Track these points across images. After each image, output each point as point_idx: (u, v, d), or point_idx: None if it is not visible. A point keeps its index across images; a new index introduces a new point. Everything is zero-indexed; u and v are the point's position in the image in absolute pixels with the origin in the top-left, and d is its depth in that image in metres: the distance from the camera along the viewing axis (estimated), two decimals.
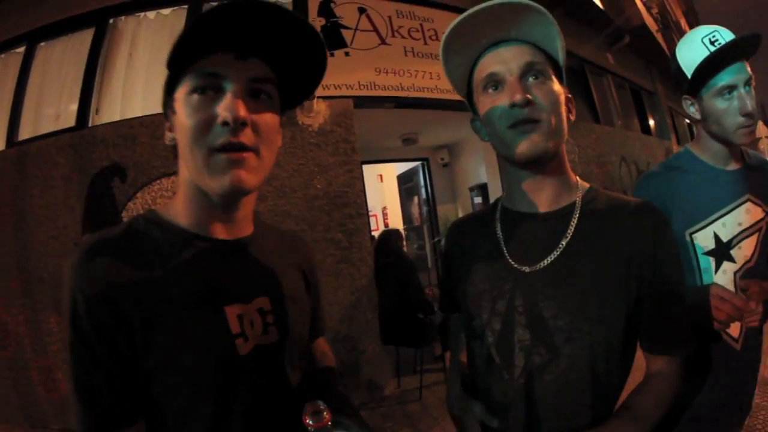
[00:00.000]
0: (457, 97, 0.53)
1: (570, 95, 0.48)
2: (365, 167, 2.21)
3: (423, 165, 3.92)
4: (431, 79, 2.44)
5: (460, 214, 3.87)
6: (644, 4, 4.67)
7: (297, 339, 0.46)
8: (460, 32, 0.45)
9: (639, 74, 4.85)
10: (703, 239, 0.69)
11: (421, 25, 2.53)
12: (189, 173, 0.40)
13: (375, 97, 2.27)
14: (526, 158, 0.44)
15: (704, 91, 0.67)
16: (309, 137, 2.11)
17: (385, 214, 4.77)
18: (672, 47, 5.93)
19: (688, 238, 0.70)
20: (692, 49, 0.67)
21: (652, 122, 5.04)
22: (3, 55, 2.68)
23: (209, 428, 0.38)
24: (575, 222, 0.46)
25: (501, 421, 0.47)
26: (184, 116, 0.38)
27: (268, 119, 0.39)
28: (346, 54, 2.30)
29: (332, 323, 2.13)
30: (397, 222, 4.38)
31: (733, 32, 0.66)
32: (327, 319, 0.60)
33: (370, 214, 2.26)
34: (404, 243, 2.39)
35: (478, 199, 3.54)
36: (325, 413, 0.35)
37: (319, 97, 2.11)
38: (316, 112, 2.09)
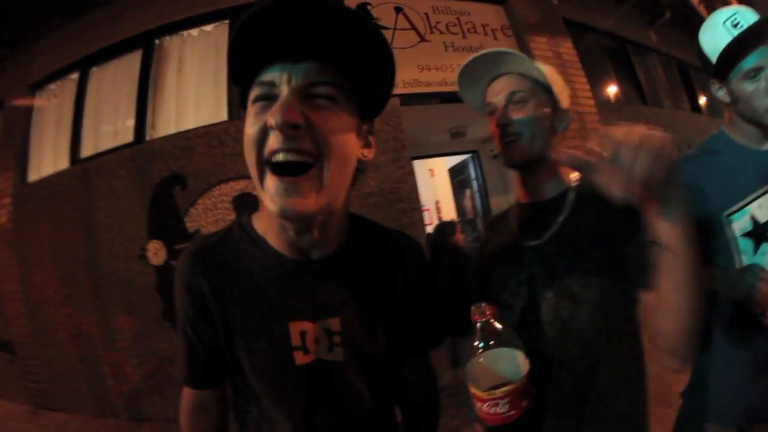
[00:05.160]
0: None
1: (567, 110, 0.66)
2: (416, 163, 2.37)
3: (473, 157, 4.06)
4: None
5: None
6: None
7: (367, 359, 0.49)
8: (464, 75, 0.66)
9: (684, 50, 4.78)
10: (740, 221, 0.71)
11: (458, 19, 2.68)
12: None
13: (420, 93, 2.43)
14: (510, 164, 0.64)
15: (731, 75, 0.70)
16: None
17: (438, 208, 4.92)
18: None
19: (725, 221, 0.72)
20: (715, 34, 0.69)
21: (702, 100, 4.93)
22: (59, 82, 3.07)
23: (271, 422, 0.47)
24: (570, 201, 0.61)
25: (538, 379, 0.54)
26: (245, 127, 0.39)
27: (331, 123, 0.38)
28: None
29: None
30: (450, 215, 4.51)
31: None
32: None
33: (424, 208, 2.40)
34: (459, 234, 2.53)
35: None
36: (487, 310, 0.48)
37: None
38: None
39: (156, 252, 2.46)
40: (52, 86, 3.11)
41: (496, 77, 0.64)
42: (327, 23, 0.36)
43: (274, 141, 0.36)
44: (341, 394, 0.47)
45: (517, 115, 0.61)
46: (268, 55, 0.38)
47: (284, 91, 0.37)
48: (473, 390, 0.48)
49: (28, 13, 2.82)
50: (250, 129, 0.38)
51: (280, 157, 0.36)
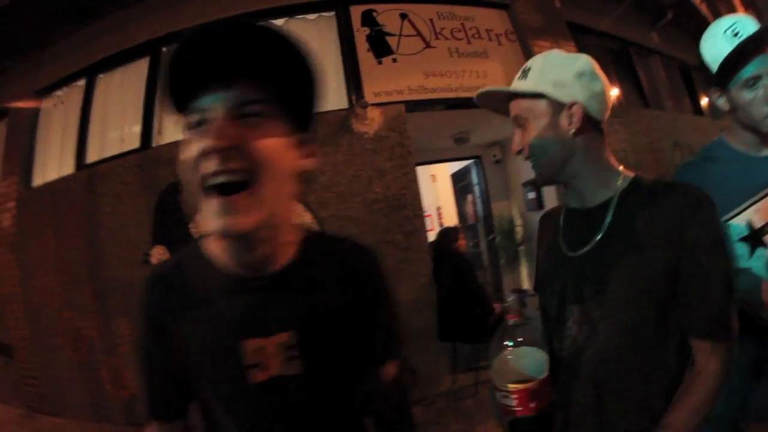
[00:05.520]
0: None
1: (575, 102, 0.57)
2: (418, 169, 2.39)
3: (476, 163, 4.05)
4: (478, 77, 2.59)
5: (515, 211, 3.95)
6: None
7: (328, 371, 0.48)
8: (484, 106, 0.66)
9: (686, 51, 4.79)
10: (737, 226, 0.73)
11: (462, 24, 2.69)
12: None
13: (425, 100, 2.45)
14: (536, 183, 0.67)
15: (731, 83, 0.72)
16: (365, 144, 2.32)
17: (439, 214, 4.96)
18: (717, 16, 5.75)
19: (723, 226, 0.71)
20: (716, 43, 0.71)
21: (704, 101, 4.95)
22: (65, 89, 3.10)
23: None
24: (611, 214, 0.56)
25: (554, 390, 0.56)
26: (183, 152, 0.40)
27: (262, 141, 0.39)
28: (394, 60, 2.50)
29: None
30: (452, 222, 4.54)
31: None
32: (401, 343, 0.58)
33: (425, 214, 2.44)
34: (462, 240, 2.55)
35: (531, 195, 3.59)
36: (516, 310, 0.53)
37: (372, 104, 2.33)
38: (371, 119, 2.31)
39: (159, 257, 2.48)
40: (58, 92, 3.14)
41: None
42: (252, 45, 0.38)
43: (209, 164, 0.38)
44: (303, 409, 0.48)
45: (521, 140, 0.61)
46: (200, 81, 0.39)
47: (216, 114, 0.39)
48: (493, 380, 0.54)
49: (36, 22, 2.86)
50: (187, 154, 0.39)
51: (215, 179, 0.38)
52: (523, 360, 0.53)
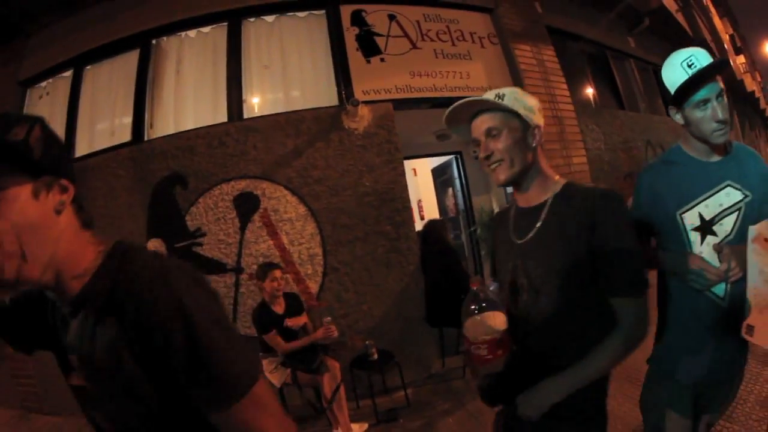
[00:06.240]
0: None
1: (537, 126, 0.77)
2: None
3: (456, 158, 4.23)
4: (461, 78, 2.75)
5: (495, 204, 4.16)
6: None
7: (116, 407, 0.48)
8: (449, 119, 0.81)
9: (661, 55, 5.05)
10: (691, 218, 0.90)
11: (447, 27, 2.83)
12: None
13: (412, 99, 2.59)
14: (499, 185, 0.79)
15: (686, 104, 0.87)
16: (356, 140, 2.45)
17: (420, 207, 5.12)
18: (693, 25, 6.02)
19: (678, 218, 0.91)
20: (674, 72, 0.87)
21: None
22: (51, 80, 3.09)
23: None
24: (546, 210, 0.76)
25: (516, 344, 0.76)
26: None
27: (3, 224, 0.41)
28: (382, 60, 2.62)
29: (384, 308, 2.46)
30: (432, 214, 4.70)
31: None
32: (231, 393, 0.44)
33: None
34: (448, 231, 2.72)
35: (510, 189, 3.81)
36: (481, 281, 0.71)
37: (362, 102, 2.46)
38: (361, 117, 2.44)
39: (156, 249, 2.55)
40: (43, 84, 3.12)
41: (476, 114, 0.79)
42: None
43: None
44: (107, 418, 0.52)
45: (495, 146, 0.76)
46: None
47: None
48: (467, 338, 0.70)
49: (20, 10, 2.83)
50: None
51: None
52: (488, 319, 0.71)
